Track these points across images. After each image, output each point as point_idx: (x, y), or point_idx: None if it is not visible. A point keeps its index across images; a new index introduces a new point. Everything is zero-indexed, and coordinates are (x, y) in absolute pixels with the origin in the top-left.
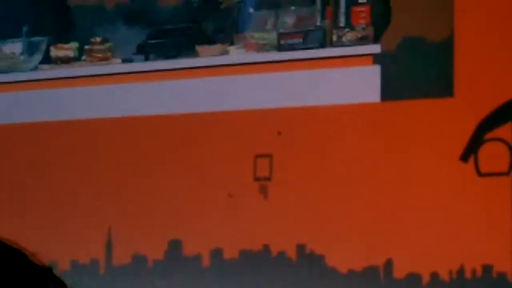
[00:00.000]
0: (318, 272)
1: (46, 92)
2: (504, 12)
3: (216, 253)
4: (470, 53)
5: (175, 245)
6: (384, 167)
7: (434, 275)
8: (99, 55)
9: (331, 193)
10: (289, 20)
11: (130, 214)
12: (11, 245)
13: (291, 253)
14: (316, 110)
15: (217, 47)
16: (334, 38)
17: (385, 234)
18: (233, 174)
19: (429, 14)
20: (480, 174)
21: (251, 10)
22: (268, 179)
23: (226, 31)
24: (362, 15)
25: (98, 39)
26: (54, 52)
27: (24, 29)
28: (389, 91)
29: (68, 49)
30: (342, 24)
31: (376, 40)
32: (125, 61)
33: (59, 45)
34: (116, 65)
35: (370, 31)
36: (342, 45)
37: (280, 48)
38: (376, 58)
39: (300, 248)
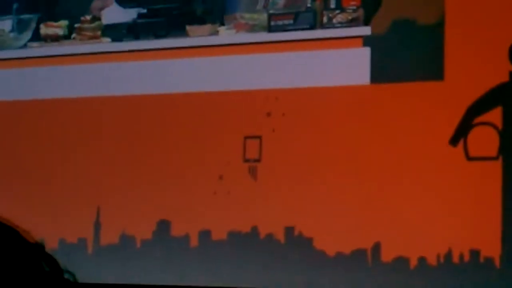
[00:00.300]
0: (306, 255)
1: (35, 70)
2: None
3: (205, 234)
4: (461, 37)
5: (163, 226)
6: (373, 150)
7: (422, 259)
8: (89, 33)
9: (320, 176)
10: (279, 1)
11: (119, 194)
12: (4, 222)
13: (280, 235)
14: (306, 92)
15: (207, 27)
16: (325, 19)
17: (373, 217)
18: (222, 156)
19: None
20: (469, 158)
21: None
22: (257, 160)
23: (216, 11)
24: None
25: (88, 17)
26: (44, 30)
27: (14, 6)
28: (378, 73)
29: (57, 27)
30: (332, 5)
31: (366, 22)
32: (115, 40)
33: (49, 23)
34: (106, 44)
35: (360, 13)
36: (333, 26)
37: (270, 29)
38: (366, 40)
39: (289, 230)
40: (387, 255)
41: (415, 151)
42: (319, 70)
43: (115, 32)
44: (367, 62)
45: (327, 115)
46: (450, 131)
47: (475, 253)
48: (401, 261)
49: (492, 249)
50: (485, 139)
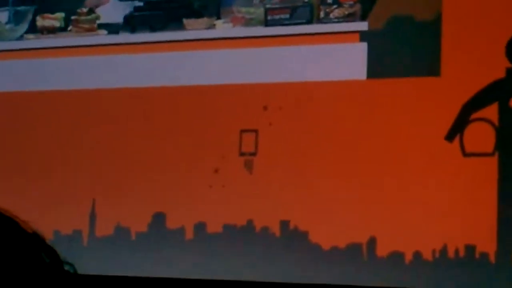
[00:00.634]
0: (301, 248)
1: (31, 61)
2: None
3: (200, 227)
4: (458, 33)
5: (159, 218)
6: (368, 145)
7: (417, 254)
8: (85, 26)
9: (316, 170)
10: None
11: (114, 186)
12: (3, 213)
13: (275, 228)
14: (302, 86)
15: (204, 20)
16: (322, 14)
17: (369, 212)
18: (218, 149)
19: None
20: (465, 154)
21: None
22: (253, 154)
23: (213, 4)
24: None
25: (84, 9)
26: (40, 21)
27: None
28: (375, 68)
29: (54, 19)
30: (329, 0)
31: (363, 17)
32: (111, 32)
33: (46, 14)
34: (102, 36)
35: (357, 8)
36: (329, 21)
37: (267, 23)
38: (363, 36)
39: (284, 224)
40: (382, 250)
41: (411, 146)
42: (315, 64)
43: (112, 25)
44: (364, 57)
45: (324, 109)
46: (446, 127)
47: (470, 249)
48: (396, 256)
49: (487, 244)
50: (481, 135)
